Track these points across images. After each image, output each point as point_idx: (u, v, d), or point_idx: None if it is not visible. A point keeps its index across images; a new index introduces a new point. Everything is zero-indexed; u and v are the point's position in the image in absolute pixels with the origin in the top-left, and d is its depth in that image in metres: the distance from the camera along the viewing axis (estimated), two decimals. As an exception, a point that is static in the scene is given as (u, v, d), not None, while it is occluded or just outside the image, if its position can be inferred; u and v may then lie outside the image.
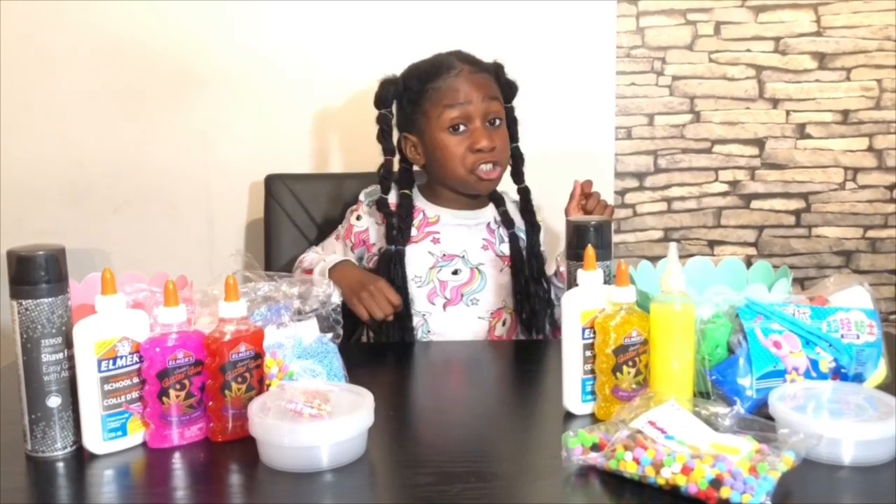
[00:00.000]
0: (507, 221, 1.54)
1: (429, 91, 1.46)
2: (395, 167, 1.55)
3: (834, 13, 1.96)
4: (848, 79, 1.99)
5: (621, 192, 2.02)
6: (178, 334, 0.98)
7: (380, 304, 1.38)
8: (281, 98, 1.92)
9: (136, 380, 0.98)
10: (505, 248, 1.53)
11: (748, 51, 1.98)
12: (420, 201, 1.55)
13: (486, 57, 1.53)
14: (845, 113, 2.00)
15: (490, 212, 1.56)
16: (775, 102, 2.00)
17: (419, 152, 1.51)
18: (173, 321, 0.98)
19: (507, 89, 1.53)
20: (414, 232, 1.51)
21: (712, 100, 2.00)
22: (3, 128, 1.90)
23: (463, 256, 1.50)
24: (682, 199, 2.04)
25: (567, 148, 1.96)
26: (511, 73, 1.54)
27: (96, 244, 1.93)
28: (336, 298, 1.23)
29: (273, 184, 1.81)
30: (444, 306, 1.48)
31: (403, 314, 1.44)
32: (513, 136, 1.53)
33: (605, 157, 2.00)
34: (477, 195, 1.53)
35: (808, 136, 2.01)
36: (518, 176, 1.55)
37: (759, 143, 2.01)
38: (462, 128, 1.45)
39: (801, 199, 2.04)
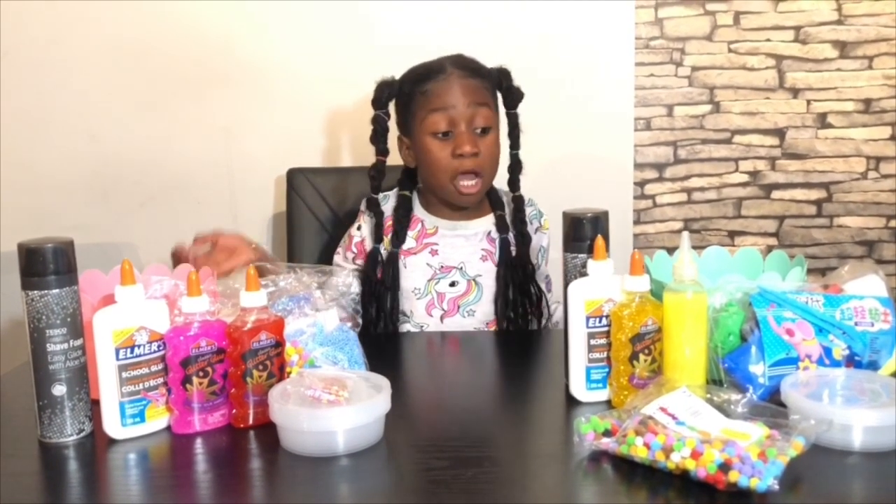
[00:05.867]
0: (501, 226, 1.50)
1: (417, 94, 1.46)
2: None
3: (855, 1, 1.95)
4: (870, 67, 1.98)
5: (641, 184, 2.03)
6: (200, 323, 1.00)
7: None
8: (302, 94, 1.94)
9: (153, 368, 1.00)
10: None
11: (768, 40, 1.97)
12: (419, 210, 1.54)
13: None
14: (867, 102, 1.99)
15: (489, 221, 1.52)
16: (796, 92, 1.99)
17: (412, 155, 1.51)
18: (196, 310, 1.00)
19: (510, 95, 1.49)
20: (413, 243, 1.50)
21: (732, 90, 1.99)
22: (33, 126, 1.94)
23: (461, 268, 1.49)
24: (702, 189, 2.03)
25: (586, 140, 1.97)
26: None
27: (124, 238, 1.97)
28: (355, 288, 1.25)
29: (295, 178, 1.84)
30: (442, 318, 1.48)
31: (388, 315, 1.44)
32: (514, 143, 1.51)
33: (624, 148, 2.00)
34: (460, 207, 1.50)
35: (830, 126, 2.00)
36: (514, 184, 1.52)
37: (780, 132, 2.01)
38: (446, 133, 1.43)
39: (822, 188, 2.03)
